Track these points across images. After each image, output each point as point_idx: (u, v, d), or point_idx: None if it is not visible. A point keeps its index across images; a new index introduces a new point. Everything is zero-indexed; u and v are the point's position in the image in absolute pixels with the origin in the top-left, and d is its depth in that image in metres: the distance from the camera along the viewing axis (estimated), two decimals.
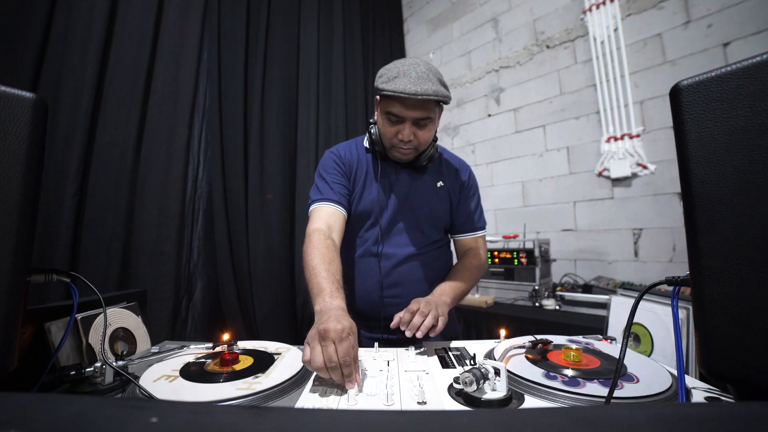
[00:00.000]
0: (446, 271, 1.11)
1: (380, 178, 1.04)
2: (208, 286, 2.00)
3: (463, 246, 1.15)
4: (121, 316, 0.84)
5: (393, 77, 0.87)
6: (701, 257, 0.37)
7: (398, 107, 0.89)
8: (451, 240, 1.19)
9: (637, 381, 0.59)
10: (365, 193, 1.04)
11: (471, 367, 0.55)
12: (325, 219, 0.95)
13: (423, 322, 0.80)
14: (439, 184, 1.08)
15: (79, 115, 1.56)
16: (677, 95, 0.39)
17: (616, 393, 0.53)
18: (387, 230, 1.04)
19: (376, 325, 1.03)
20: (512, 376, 0.61)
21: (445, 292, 0.95)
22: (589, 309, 1.86)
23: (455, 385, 0.58)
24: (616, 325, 0.94)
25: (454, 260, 1.18)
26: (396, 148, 0.97)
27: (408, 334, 0.80)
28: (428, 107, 0.90)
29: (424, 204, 1.06)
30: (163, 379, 0.63)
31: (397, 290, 1.02)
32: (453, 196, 1.10)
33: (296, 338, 2.18)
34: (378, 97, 0.94)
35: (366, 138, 1.09)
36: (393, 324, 0.82)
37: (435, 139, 1.04)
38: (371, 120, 1.04)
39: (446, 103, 0.93)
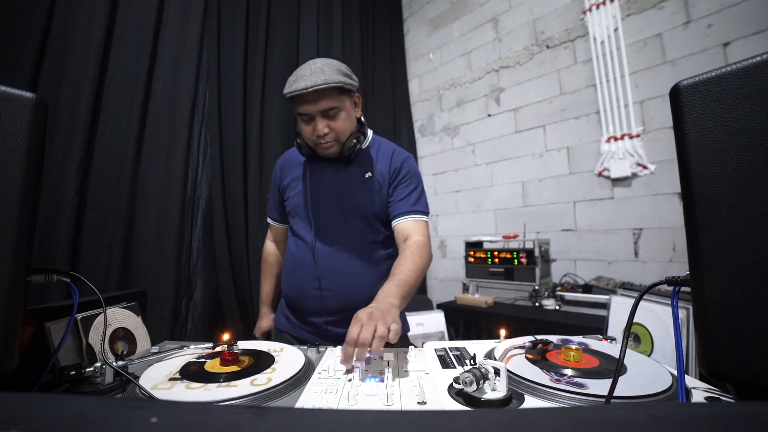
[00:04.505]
0: (383, 266, 1.06)
1: (309, 177, 1.09)
2: (208, 286, 2.00)
3: (401, 233, 1.03)
4: (121, 316, 0.84)
5: (292, 81, 0.94)
6: (701, 257, 0.37)
7: (302, 106, 0.96)
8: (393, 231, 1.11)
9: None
10: (295, 193, 1.11)
11: (471, 367, 0.55)
12: (271, 234, 1.31)
13: (371, 340, 0.65)
14: (368, 174, 1.07)
15: (79, 115, 1.56)
16: (677, 95, 0.39)
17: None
18: (317, 225, 1.07)
19: (318, 319, 1.06)
20: (512, 376, 0.61)
21: (390, 292, 0.82)
22: (589, 309, 1.86)
23: (455, 385, 0.58)
24: (616, 325, 0.94)
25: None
26: (318, 144, 1.01)
27: (355, 361, 0.66)
28: (330, 96, 0.95)
29: (349, 196, 1.06)
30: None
31: (328, 283, 1.04)
32: (383, 183, 1.07)
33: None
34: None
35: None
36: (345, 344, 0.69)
37: (361, 130, 1.07)
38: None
39: (348, 89, 0.97)
